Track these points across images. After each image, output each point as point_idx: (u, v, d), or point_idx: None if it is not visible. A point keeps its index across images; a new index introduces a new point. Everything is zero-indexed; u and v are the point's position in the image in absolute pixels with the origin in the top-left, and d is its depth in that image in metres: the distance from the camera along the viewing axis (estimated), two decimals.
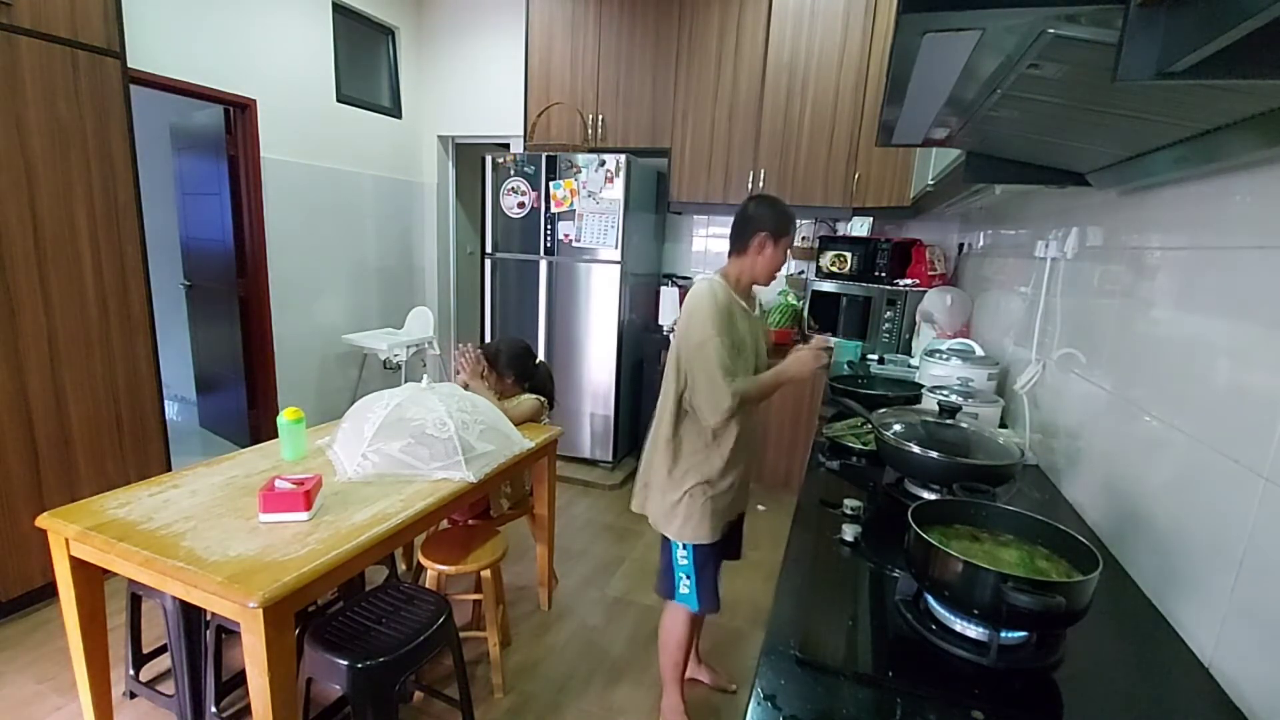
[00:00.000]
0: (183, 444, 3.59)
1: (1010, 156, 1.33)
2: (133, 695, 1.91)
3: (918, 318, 2.98)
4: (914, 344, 3.05)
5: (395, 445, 1.79)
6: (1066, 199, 1.65)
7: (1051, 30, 0.58)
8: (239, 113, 3.53)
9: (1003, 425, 1.76)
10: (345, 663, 1.42)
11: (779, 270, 1.70)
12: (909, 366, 2.66)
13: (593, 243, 3.60)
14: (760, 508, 3.40)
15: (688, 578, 1.70)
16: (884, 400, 1.90)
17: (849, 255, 3.51)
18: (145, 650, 1.94)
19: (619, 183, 3.48)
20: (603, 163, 3.48)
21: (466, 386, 2.28)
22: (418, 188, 4.88)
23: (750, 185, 3.61)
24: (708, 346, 1.52)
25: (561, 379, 3.84)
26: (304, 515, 1.51)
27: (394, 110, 4.57)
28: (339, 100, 4.09)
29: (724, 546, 1.74)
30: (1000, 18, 0.58)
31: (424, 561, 1.95)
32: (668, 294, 3.91)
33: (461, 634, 1.78)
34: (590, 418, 3.83)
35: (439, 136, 4.84)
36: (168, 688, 1.86)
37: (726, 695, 2.06)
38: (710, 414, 1.55)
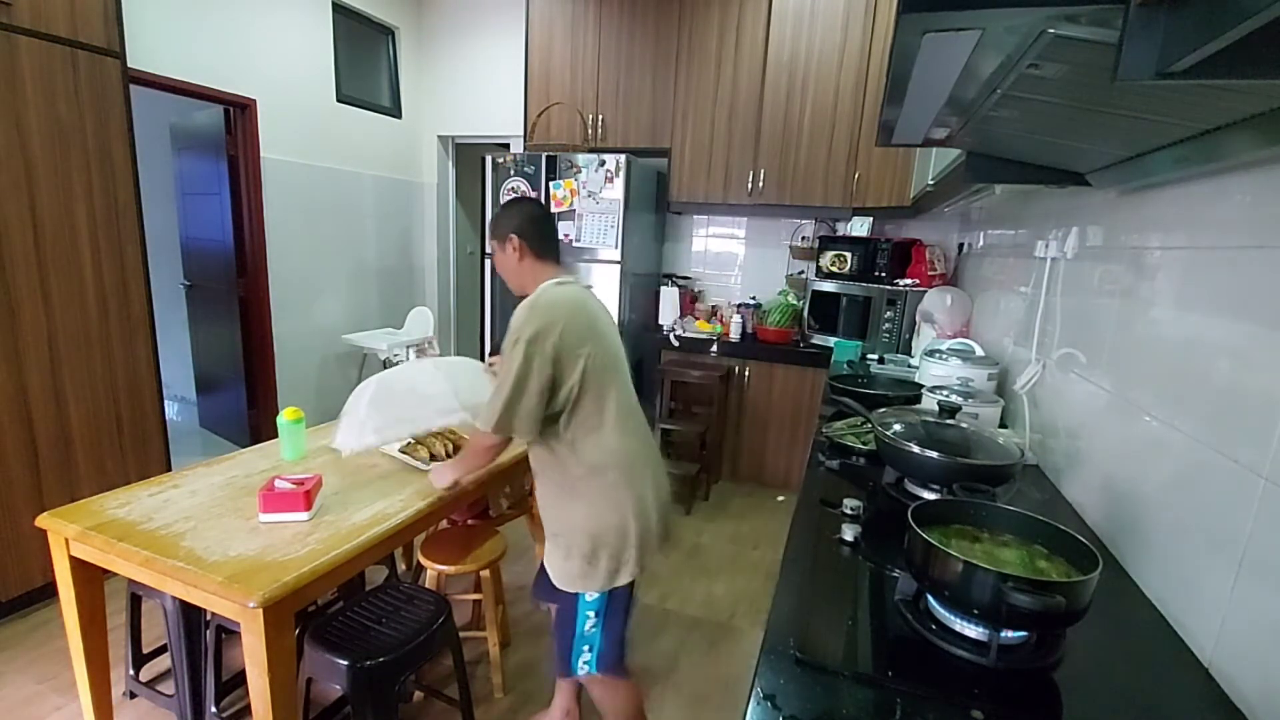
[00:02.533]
0: (183, 444, 3.59)
1: (1010, 156, 1.33)
2: (133, 695, 1.91)
3: (918, 318, 2.98)
4: (914, 344, 3.04)
5: (391, 410, 1.82)
6: (1066, 199, 1.65)
7: (1051, 30, 0.58)
8: (239, 113, 3.53)
9: (1003, 425, 1.76)
10: (345, 663, 1.42)
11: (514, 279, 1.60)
12: (909, 366, 2.66)
13: (593, 243, 3.60)
14: (780, 498, 3.56)
15: None
16: (884, 400, 1.90)
17: (849, 255, 3.51)
18: (145, 650, 1.94)
19: (619, 183, 3.48)
20: (603, 163, 3.48)
21: None
22: (418, 188, 4.88)
23: (750, 185, 3.61)
24: None
25: None
26: (304, 515, 1.51)
27: (394, 110, 4.57)
28: (339, 100, 4.09)
29: None
30: (1000, 18, 0.58)
31: (424, 561, 1.95)
32: (668, 294, 3.91)
33: (461, 634, 1.78)
34: None
35: (439, 136, 4.84)
36: (168, 688, 1.86)
37: (721, 691, 2.06)
38: None
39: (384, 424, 1.80)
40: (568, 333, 1.42)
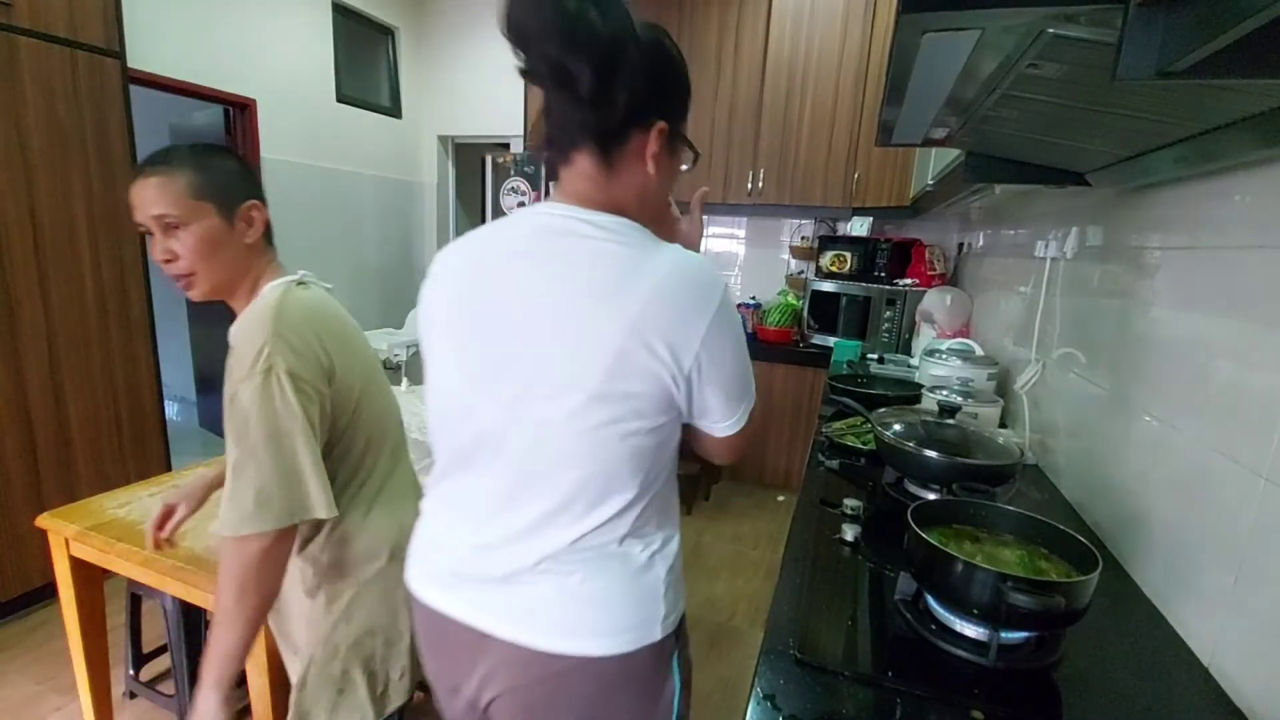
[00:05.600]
0: (183, 444, 3.58)
1: (1010, 156, 1.33)
2: (133, 695, 1.91)
3: (918, 317, 2.98)
4: (914, 344, 3.04)
5: None
6: (1066, 199, 1.65)
7: (1051, 30, 0.58)
8: (239, 113, 3.53)
9: (1003, 425, 1.76)
10: None
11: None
12: (909, 366, 2.66)
13: None
14: (780, 498, 3.53)
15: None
16: (884, 400, 1.90)
17: (849, 255, 3.51)
18: (145, 650, 1.94)
19: None
20: None
21: None
22: (418, 188, 4.88)
23: (750, 185, 3.61)
24: None
25: None
26: None
27: (394, 110, 4.57)
28: (339, 100, 4.09)
29: None
30: (1000, 17, 0.58)
31: None
32: None
33: None
34: None
35: (439, 136, 4.84)
36: (168, 688, 1.86)
37: (721, 691, 2.06)
38: None
39: None
40: (339, 356, 1.01)
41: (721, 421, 0.79)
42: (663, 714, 0.83)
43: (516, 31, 0.72)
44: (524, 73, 0.73)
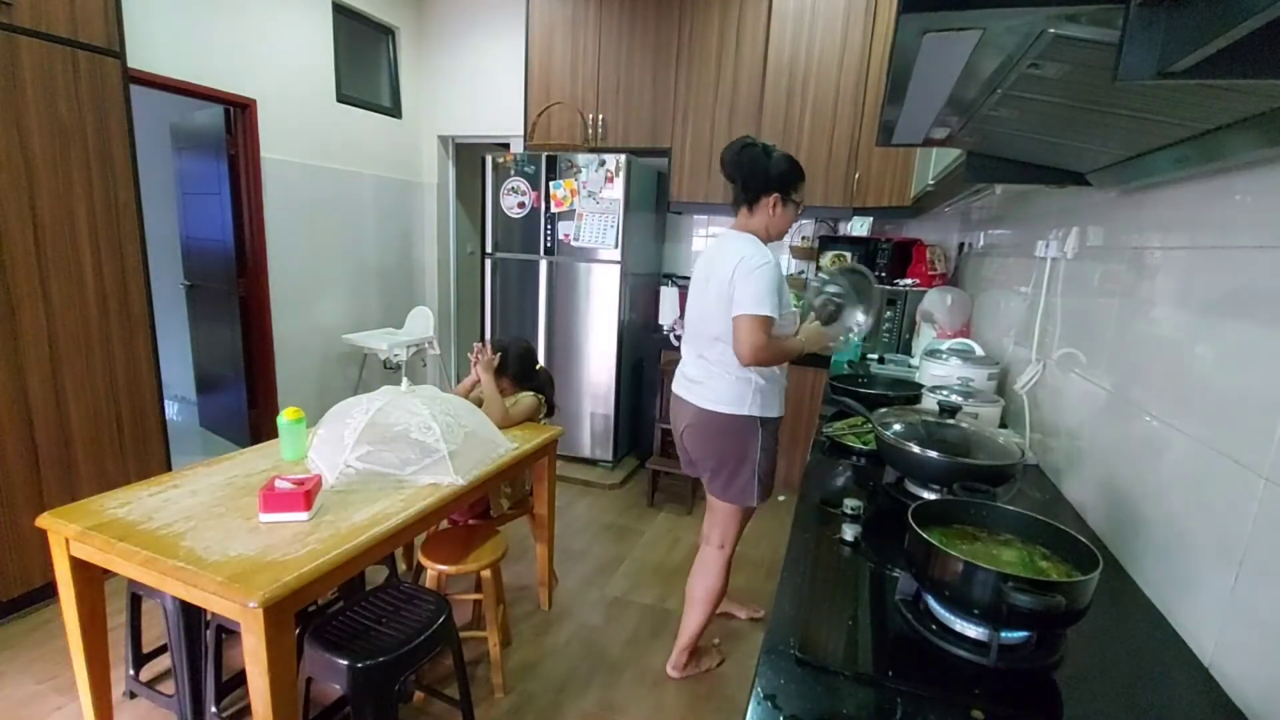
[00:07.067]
0: (183, 444, 3.59)
1: (1010, 156, 1.33)
2: (133, 695, 1.91)
3: (918, 317, 2.97)
4: (914, 344, 3.04)
5: (379, 451, 1.77)
6: (1066, 199, 1.65)
7: (1052, 30, 0.58)
8: (239, 113, 3.53)
9: (1003, 425, 1.76)
10: (345, 662, 1.42)
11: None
12: (909, 366, 2.66)
13: (593, 243, 3.60)
14: (780, 498, 3.50)
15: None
16: (884, 400, 1.90)
17: (849, 255, 3.51)
18: (145, 650, 1.94)
19: (619, 183, 3.48)
20: (603, 163, 3.48)
21: (475, 385, 2.30)
22: (418, 188, 4.88)
23: None
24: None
25: (561, 379, 3.84)
26: (304, 515, 1.51)
27: (394, 110, 4.57)
28: (339, 100, 4.09)
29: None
30: (1001, 17, 0.58)
31: (424, 561, 1.95)
32: (667, 294, 3.90)
33: (461, 634, 1.78)
34: (590, 417, 3.83)
35: (439, 136, 4.84)
36: (168, 688, 1.86)
37: (721, 691, 2.06)
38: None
39: (367, 467, 1.75)
40: None
41: (746, 303, 1.71)
42: (750, 449, 1.88)
43: (725, 165, 1.85)
44: (727, 177, 1.87)
